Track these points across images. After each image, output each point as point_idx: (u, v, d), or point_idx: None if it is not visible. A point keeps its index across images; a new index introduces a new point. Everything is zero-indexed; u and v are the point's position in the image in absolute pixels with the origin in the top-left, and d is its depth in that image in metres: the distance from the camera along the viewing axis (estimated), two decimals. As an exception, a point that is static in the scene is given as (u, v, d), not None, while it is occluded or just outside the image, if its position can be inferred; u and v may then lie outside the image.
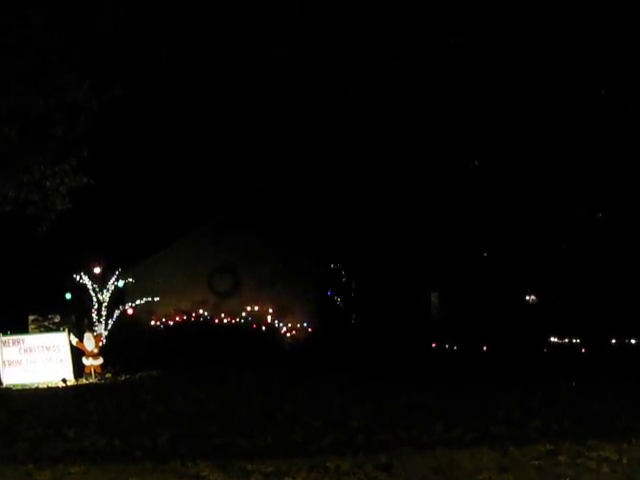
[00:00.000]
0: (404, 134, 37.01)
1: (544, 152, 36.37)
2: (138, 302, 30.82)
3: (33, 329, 25.05)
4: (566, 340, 31.63)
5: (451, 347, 30.39)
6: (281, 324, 34.64)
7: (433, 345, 30.69)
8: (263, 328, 34.12)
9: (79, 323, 26.03)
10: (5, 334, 23.95)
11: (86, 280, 27.31)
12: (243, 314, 34.74)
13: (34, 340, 24.02)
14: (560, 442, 11.44)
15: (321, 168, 37.46)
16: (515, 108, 36.36)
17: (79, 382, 23.01)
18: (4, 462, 11.30)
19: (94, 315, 26.88)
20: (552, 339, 31.92)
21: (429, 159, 37.18)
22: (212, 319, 34.66)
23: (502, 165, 37.27)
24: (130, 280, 31.31)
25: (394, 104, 36.74)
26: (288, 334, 34.31)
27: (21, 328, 25.01)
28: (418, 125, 36.81)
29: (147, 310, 34.71)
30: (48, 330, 24.86)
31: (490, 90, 35.69)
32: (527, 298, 40.83)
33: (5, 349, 23.66)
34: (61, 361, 23.60)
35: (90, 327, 25.16)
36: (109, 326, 26.86)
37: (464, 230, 37.61)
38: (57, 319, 25.25)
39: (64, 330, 24.20)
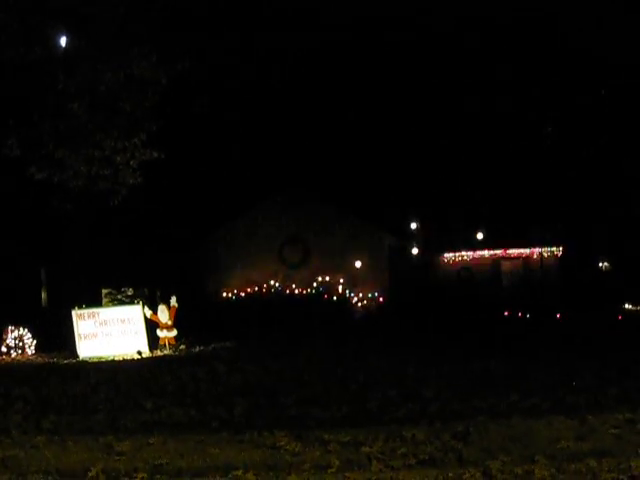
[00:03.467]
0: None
1: (612, 119, 35.89)
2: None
3: (107, 302, 25.28)
4: (640, 307, 31.20)
5: (523, 315, 30.13)
6: (352, 294, 34.68)
7: (505, 314, 30.46)
8: (334, 298, 34.20)
9: (152, 296, 26.20)
10: (80, 307, 24.24)
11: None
12: (314, 285, 34.86)
13: (109, 313, 24.29)
14: (639, 410, 11.30)
15: (396, 144, 37.34)
16: (585, 77, 35.91)
17: (154, 354, 23.23)
18: (84, 433, 11.46)
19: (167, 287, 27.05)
20: (626, 306, 31.52)
21: (503, 125, 36.88)
22: (283, 290, 34.82)
23: (573, 131, 36.81)
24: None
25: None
26: (359, 304, 34.36)
27: (95, 301, 25.27)
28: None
29: (219, 281, 35.01)
30: (121, 303, 25.06)
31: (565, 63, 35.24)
32: (600, 265, 40.40)
33: (81, 322, 23.96)
34: (136, 333, 23.85)
35: (163, 299, 25.30)
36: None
37: (540, 196, 37.29)
38: (130, 292, 25.43)
39: (138, 303, 24.41)
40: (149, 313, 24.10)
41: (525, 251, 39.31)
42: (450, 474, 8.75)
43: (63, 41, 23.17)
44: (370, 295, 34.81)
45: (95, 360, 22.49)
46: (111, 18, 23.40)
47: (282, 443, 10.30)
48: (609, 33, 34.36)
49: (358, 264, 35.09)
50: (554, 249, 38.82)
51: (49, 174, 24.39)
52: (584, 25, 34.63)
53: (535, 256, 38.98)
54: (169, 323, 24.35)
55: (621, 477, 8.51)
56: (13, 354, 24.29)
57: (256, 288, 34.97)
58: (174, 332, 24.41)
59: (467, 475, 8.68)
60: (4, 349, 24.47)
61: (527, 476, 8.67)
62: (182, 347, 24.05)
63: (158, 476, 9.13)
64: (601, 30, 34.43)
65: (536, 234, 38.06)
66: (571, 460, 9.11)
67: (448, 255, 39.57)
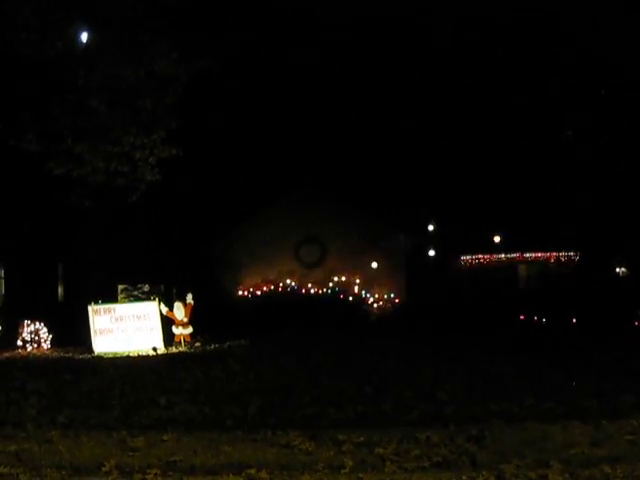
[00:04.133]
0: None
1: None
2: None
3: (122, 298, 25.36)
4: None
5: (539, 319, 30.05)
6: (368, 294, 34.66)
7: (521, 317, 30.38)
8: (350, 298, 34.18)
9: (168, 292, 26.27)
10: (96, 303, 24.29)
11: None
12: (330, 284, 34.85)
13: (125, 309, 24.34)
14: (654, 416, 11.27)
15: (412, 139, 37.31)
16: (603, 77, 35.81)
17: (169, 351, 23.28)
18: (98, 429, 11.50)
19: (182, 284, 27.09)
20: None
21: (524, 128, 36.83)
22: (299, 289, 34.83)
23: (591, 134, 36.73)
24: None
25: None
26: (375, 304, 34.33)
27: (110, 297, 25.33)
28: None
29: (234, 280, 35.05)
30: (137, 299, 25.14)
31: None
32: (617, 270, 40.26)
33: (97, 318, 24.02)
34: (151, 330, 23.88)
35: (179, 296, 25.35)
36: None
37: (553, 198, 37.19)
38: (146, 288, 25.52)
39: (154, 299, 24.46)
40: (165, 310, 24.16)
41: (542, 255, 39.23)
42: (464, 477, 8.74)
43: (84, 37, 23.26)
44: (386, 296, 34.80)
45: (110, 356, 22.55)
46: (132, 15, 23.49)
47: (296, 442, 10.31)
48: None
49: (374, 264, 35.07)
50: (571, 253, 38.75)
51: (68, 169, 24.51)
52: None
53: (552, 260, 38.91)
54: (185, 320, 24.41)
55: (635, 483, 8.49)
56: (29, 348, 24.39)
57: (272, 287, 35.00)
58: (190, 329, 24.46)
59: (481, 478, 8.68)
60: (20, 343, 24.58)
61: (541, 480, 8.66)
62: (197, 344, 24.08)
63: (171, 473, 9.16)
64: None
65: (553, 238, 37.97)
66: (585, 466, 9.09)
67: (465, 257, 39.54)
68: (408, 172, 37.50)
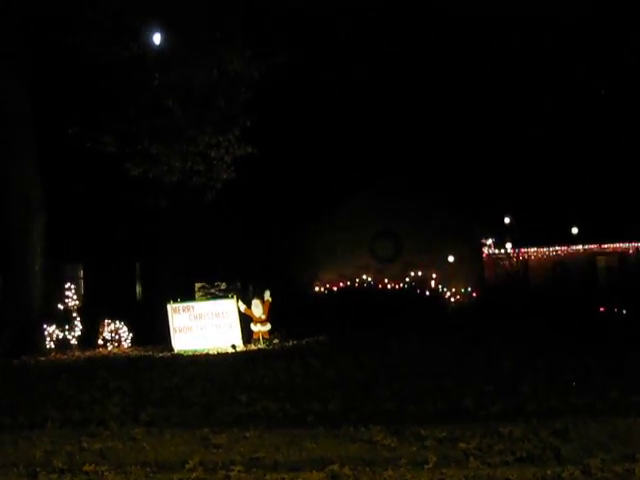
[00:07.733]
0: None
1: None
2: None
3: (200, 296, 25.49)
4: None
5: (620, 311, 29.62)
6: (445, 289, 34.48)
7: (601, 309, 29.98)
8: (427, 293, 34.04)
9: (244, 289, 26.37)
10: (174, 301, 24.51)
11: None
12: (406, 279, 34.74)
13: (204, 307, 24.52)
14: None
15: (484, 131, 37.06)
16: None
17: (248, 348, 23.40)
18: (180, 426, 11.59)
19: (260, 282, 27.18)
20: None
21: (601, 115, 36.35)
22: (375, 284, 34.78)
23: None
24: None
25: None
26: (452, 299, 34.15)
27: (187, 295, 25.50)
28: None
29: (310, 276, 35.11)
30: (214, 297, 25.25)
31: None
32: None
33: (176, 316, 24.24)
34: (230, 327, 24.03)
35: (256, 293, 25.45)
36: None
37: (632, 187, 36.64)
38: (223, 286, 25.61)
39: (232, 297, 24.59)
40: (243, 307, 24.29)
41: (621, 246, 38.66)
42: (548, 472, 8.62)
43: (157, 39, 23.48)
44: (463, 290, 34.59)
45: (190, 353, 22.72)
46: (204, 14, 23.66)
47: (378, 438, 10.28)
48: None
49: (451, 258, 34.87)
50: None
51: (144, 170, 24.79)
52: None
53: (631, 251, 38.35)
54: (263, 317, 24.51)
55: None
56: (109, 347, 24.73)
57: (348, 282, 35.00)
58: (268, 326, 24.56)
59: (566, 473, 8.55)
60: (101, 342, 24.93)
61: (627, 475, 8.50)
62: (276, 341, 24.17)
63: (254, 469, 9.17)
64: None
65: (633, 228, 37.34)
66: (673, 459, 8.94)
67: (541, 250, 39.09)
68: (483, 164, 37.19)
